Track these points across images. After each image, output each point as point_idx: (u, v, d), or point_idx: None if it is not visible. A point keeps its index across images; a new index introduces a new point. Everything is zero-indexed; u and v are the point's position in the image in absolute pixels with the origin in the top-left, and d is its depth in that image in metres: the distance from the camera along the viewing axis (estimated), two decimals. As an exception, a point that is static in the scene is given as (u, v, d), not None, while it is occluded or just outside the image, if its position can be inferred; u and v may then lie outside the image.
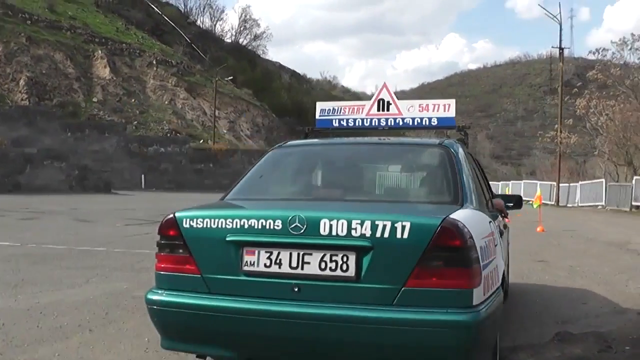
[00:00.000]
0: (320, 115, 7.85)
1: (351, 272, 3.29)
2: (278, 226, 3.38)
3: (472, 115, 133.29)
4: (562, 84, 34.84)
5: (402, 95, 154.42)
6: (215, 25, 77.10)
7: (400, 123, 7.88)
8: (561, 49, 34.47)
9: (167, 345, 3.72)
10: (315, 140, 6.15)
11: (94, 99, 50.90)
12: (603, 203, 32.27)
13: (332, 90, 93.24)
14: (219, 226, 3.52)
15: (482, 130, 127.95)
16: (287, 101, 70.56)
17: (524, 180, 50.94)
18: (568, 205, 36.37)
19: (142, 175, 42.01)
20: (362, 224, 3.27)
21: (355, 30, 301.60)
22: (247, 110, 60.34)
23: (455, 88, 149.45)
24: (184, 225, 3.59)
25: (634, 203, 28.70)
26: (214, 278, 3.51)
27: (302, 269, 3.36)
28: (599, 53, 32.23)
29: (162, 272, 3.66)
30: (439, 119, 7.71)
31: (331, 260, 3.32)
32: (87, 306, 6.25)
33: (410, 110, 7.82)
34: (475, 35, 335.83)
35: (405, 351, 3.23)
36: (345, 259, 3.30)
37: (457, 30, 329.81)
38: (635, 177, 29.58)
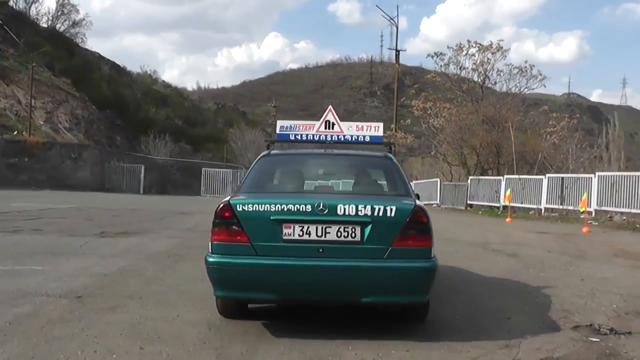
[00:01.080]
0: (280, 130, 9.68)
1: (357, 237, 5.13)
2: (308, 209, 5.12)
3: (294, 114, 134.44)
4: (397, 86, 35.38)
5: (223, 91, 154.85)
6: (30, 8, 70.74)
7: (342, 139, 9.71)
8: (397, 50, 34.94)
9: (221, 294, 5.40)
10: (297, 150, 8.57)
11: None
12: (438, 202, 33.26)
13: (153, 85, 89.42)
14: (265, 209, 5.19)
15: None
16: (108, 93, 66.60)
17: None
18: (401, 203, 36.73)
19: (-53, 171, 37.44)
20: (365, 207, 5.14)
21: (176, 24, 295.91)
22: (65, 100, 55.86)
23: (277, 87, 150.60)
24: (238, 209, 5.22)
25: (469, 202, 29.57)
26: (261, 245, 5.14)
27: (325, 236, 5.11)
28: (437, 57, 32.94)
29: (217, 242, 5.29)
30: (370, 136, 9.60)
31: (344, 231, 5.11)
32: None
33: (349, 129, 9.83)
34: (297, 35, 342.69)
35: (392, 286, 5.15)
36: (353, 229, 5.12)
37: (279, 29, 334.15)
38: (470, 177, 30.49)
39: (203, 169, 50.83)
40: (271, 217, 5.18)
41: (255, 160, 6.83)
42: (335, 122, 10.02)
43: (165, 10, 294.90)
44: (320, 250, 5.15)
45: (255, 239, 5.18)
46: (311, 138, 9.78)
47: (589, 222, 20.92)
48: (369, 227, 5.16)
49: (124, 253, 10.40)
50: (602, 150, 29.51)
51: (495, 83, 33.36)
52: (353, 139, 9.78)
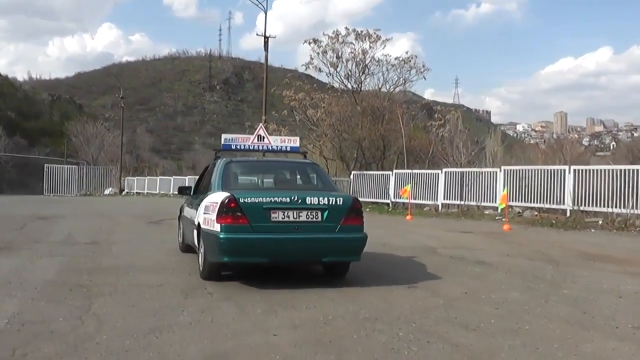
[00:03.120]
0: (224, 142, 12.23)
1: (319, 219, 7.61)
2: (287, 200, 7.54)
3: (132, 108, 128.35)
4: (267, 75, 32.57)
5: (57, 82, 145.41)
6: None
7: (270, 148, 12.79)
8: (266, 37, 32.16)
9: (228, 259, 7.46)
10: (251, 158, 12.51)
11: None
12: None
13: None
14: (259, 201, 7.48)
15: (141, 124, 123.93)
16: None
17: (189, 176, 47.54)
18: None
19: None
20: (323, 198, 7.66)
21: (3, 9, 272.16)
22: None
23: (113, 79, 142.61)
24: (241, 201, 7.42)
25: (353, 198, 27.47)
26: (256, 225, 7.39)
27: (299, 218, 7.54)
28: (314, 43, 30.41)
29: (225, 224, 7.38)
30: (290, 147, 12.43)
31: (311, 214, 7.58)
32: None
33: (275, 142, 12.75)
34: (132, 27, 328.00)
35: (341, 250, 7.78)
36: (316, 213, 7.60)
37: (113, 20, 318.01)
38: (353, 172, 28.35)
39: (46, 165, 45.87)
40: (263, 207, 7.43)
41: (222, 165, 8.77)
42: (265, 136, 13.43)
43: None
44: (296, 227, 7.52)
45: (253, 221, 7.37)
46: (248, 147, 12.79)
47: (496, 218, 19.74)
48: (327, 212, 7.62)
49: (3, 287, 7.22)
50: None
51: (374, 74, 31.11)
52: (278, 149, 12.91)
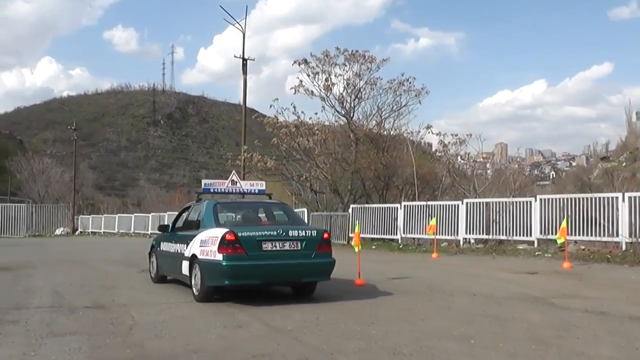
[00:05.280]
0: (204, 186, 13.87)
1: (299, 248, 9.65)
2: (275, 234, 9.59)
3: (74, 143, 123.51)
4: (245, 101, 29.99)
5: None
6: None
7: (242, 190, 14.62)
8: (244, 59, 29.64)
9: (229, 282, 9.22)
10: (234, 199, 14.21)
11: None
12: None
13: None
14: (253, 234, 9.40)
15: (84, 160, 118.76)
16: None
17: (152, 214, 43.98)
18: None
19: None
20: (302, 231, 9.84)
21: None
22: None
23: (54, 114, 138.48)
24: (239, 234, 9.27)
25: (351, 235, 24.26)
26: (251, 253, 9.22)
27: (283, 248, 9.54)
28: (305, 63, 27.72)
29: (226, 254, 9.13)
30: (258, 189, 14.18)
31: (293, 244, 9.62)
32: None
33: (245, 185, 14.84)
34: (72, 62, 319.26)
35: (316, 272, 9.86)
36: (297, 243, 9.65)
37: (52, 55, 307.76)
38: (352, 206, 25.39)
39: (-7, 205, 42.01)
40: (256, 239, 9.37)
41: (211, 206, 10.61)
42: (237, 181, 15.20)
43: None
44: (282, 255, 9.48)
45: (249, 251, 9.24)
46: (224, 190, 14.41)
47: (536, 254, 17.51)
48: (305, 242, 9.67)
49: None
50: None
51: (367, 100, 28.25)
52: (249, 191, 14.40)
